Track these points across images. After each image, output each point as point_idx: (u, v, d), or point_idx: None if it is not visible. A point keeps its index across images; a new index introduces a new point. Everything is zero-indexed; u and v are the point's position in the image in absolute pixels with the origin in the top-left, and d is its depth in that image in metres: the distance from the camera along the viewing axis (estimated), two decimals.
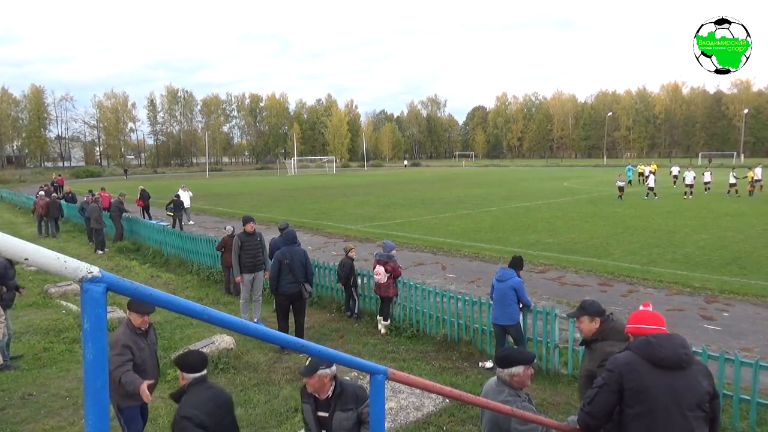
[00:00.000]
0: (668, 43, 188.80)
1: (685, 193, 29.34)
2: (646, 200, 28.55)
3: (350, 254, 10.09)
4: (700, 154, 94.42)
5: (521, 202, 29.61)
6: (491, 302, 7.55)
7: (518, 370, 3.39)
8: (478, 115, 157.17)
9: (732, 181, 29.90)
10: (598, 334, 4.06)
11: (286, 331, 8.24)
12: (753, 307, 9.97)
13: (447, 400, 6.23)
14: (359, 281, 10.16)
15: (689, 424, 2.80)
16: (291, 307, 8.55)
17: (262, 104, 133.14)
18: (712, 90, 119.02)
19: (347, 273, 9.97)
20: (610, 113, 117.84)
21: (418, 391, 6.54)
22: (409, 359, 7.93)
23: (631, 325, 3.15)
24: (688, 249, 15.15)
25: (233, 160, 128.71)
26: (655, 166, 43.18)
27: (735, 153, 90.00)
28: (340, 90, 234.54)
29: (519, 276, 7.32)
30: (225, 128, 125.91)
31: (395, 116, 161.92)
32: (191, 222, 23.03)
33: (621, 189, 29.11)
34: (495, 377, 3.57)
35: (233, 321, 1.80)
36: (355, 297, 10.07)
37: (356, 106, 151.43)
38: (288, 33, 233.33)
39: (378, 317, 9.38)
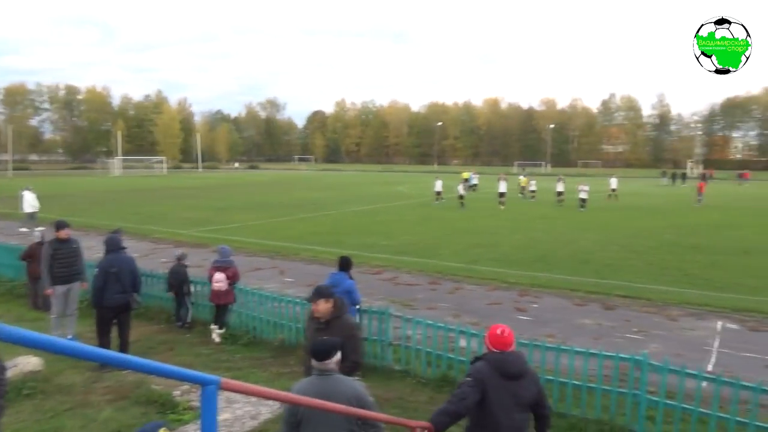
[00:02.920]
0: (492, 61, 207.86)
1: (500, 202, 29.50)
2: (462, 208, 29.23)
3: (181, 263, 9.57)
4: (516, 163, 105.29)
5: (359, 205, 30.44)
6: None
7: (339, 355, 3.62)
8: (317, 119, 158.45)
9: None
10: (336, 311, 4.83)
11: (108, 347, 7.54)
12: (556, 299, 11.36)
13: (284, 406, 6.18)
14: (192, 289, 9.68)
15: (523, 416, 3.79)
16: (114, 321, 7.83)
17: (80, 97, 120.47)
18: (525, 106, 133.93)
19: (181, 281, 9.44)
20: (439, 123, 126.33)
21: (254, 399, 6.40)
22: (245, 367, 7.72)
23: (490, 345, 3.84)
24: (505, 249, 16.80)
25: (44, 158, 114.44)
26: (466, 174, 47.28)
27: (543, 163, 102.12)
28: (173, 87, 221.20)
29: (350, 276, 7.48)
30: (33, 121, 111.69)
31: (232, 117, 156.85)
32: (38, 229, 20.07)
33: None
34: (315, 375, 3.55)
35: (37, 339, 1.62)
36: (188, 306, 9.56)
37: (190, 105, 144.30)
38: (112, 20, 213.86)
39: (212, 326, 9.00)
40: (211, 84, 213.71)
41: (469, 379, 3.73)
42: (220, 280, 8.72)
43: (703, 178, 55.42)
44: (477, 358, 3.92)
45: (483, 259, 15.17)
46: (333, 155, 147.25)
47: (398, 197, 37.24)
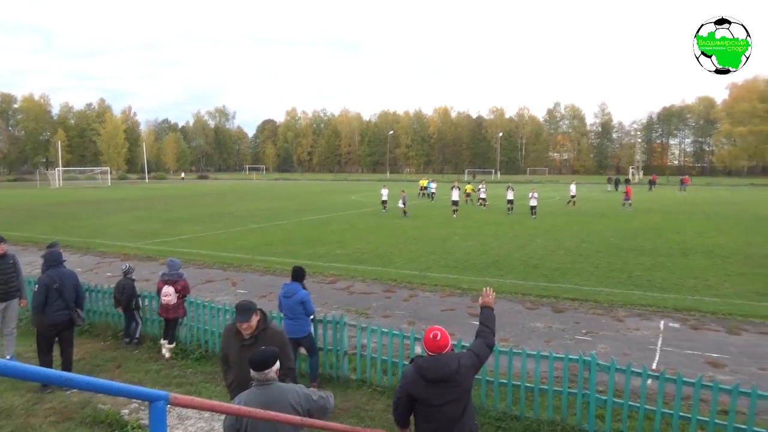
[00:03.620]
0: (441, 71, 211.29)
1: (453, 210, 29.44)
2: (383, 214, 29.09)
3: (128, 276, 9.26)
4: (466, 171, 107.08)
5: (312, 215, 30.27)
6: (282, 315, 7.55)
7: (279, 363, 3.64)
8: (268, 128, 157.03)
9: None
10: (263, 324, 4.76)
11: (50, 366, 7.21)
12: (508, 303, 11.57)
13: None
14: (141, 303, 9.38)
15: (456, 408, 3.96)
16: (57, 338, 7.48)
17: (16, 105, 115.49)
18: (474, 115, 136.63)
19: (129, 296, 9.12)
20: (391, 132, 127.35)
21: (207, 414, 6.25)
22: (198, 382, 7.52)
23: (425, 347, 4.03)
24: (458, 255, 17.02)
25: None
26: (424, 182, 47.91)
27: (493, 170, 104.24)
28: (118, 95, 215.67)
29: (304, 286, 7.42)
30: None
31: (180, 126, 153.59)
32: None
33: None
34: (256, 385, 3.55)
35: None
36: (138, 321, 9.25)
37: (135, 113, 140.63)
38: (52, 26, 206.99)
39: (161, 341, 8.73)
40: (157, 92, 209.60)
41: (397, 389, 4.11)
42: (169, 293, 8.47)
43: (651, 183, 58.10)
44: (413, 359, 4.14)
45: (436, 266, 15.32)
46: (285, 164, 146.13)
47: (351, 206, 37.25)
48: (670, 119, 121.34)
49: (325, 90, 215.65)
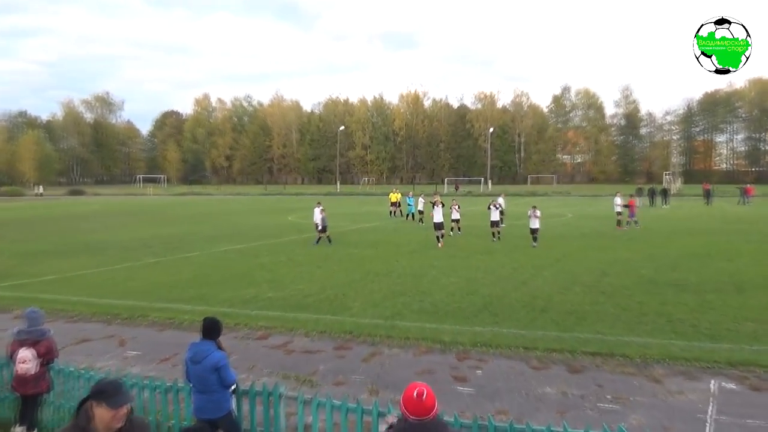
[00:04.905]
0: (408, 44, 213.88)
1: (437, 237, 28.53)
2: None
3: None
4: (446, 180, 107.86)
5: (233, 243, 30.03)
6: (190, 386, 7.39)
7: None
8: (169, 123, 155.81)
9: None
10: (131, 412, 4.39)
11: None
12: (507, 361, 11.64)
13: None
14: None
15: None
16: None
17: None
18: (456, 104, 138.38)
19: None
20: (342, 127, 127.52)
21: None
22: None
23: (406, 411, 4.30)
24: (437, 296, 17.08)
25: None
26: (396, 196, 48.03)
27: (483, 179, 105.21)
28: None
29: (220, 345, 7.28)
30: None
31: (44, 120, 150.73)
32: None
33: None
34: None
35: None
36: None
37: None
38: None
39: (15, 427, 8.43)
40: (9, 74, 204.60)
41: None
42: (27, 359, 8.21)
43: (707, 194, 59.70)
44: (390, 426, 4.41)
45: (408, 312, 15.32)
46: (194, 173, 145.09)
47: (289, 230, 37.14)
48: (714, 109, 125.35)
49: (250, 70, 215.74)
